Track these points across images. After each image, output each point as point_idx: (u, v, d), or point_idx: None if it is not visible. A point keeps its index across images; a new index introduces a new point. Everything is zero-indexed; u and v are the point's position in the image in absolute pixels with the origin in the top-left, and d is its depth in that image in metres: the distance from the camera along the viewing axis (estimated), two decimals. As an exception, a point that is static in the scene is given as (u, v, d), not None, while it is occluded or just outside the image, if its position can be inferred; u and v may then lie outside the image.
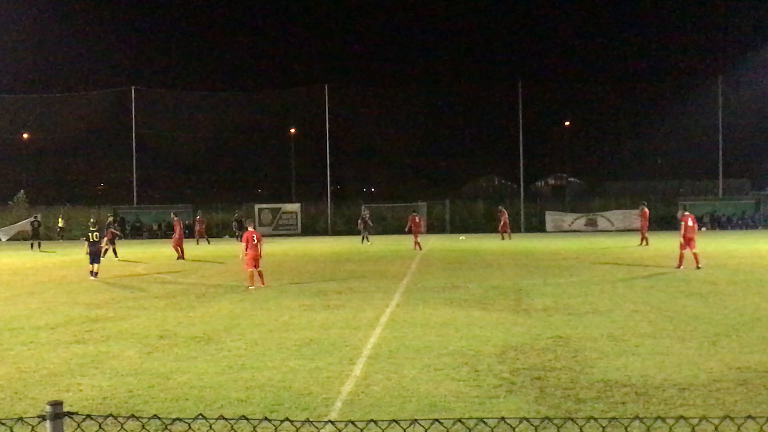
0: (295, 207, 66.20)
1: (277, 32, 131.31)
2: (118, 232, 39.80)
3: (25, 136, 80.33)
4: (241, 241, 24.72)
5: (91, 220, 29.90)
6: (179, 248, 36.02)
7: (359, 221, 49.63)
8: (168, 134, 74.82)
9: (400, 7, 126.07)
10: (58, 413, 3.79)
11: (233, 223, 56.20)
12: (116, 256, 36.21)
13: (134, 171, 70.50)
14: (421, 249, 39.75)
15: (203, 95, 77.51)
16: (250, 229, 23.96)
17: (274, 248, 43.98)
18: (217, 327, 15.54)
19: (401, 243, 44.65)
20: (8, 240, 60.00)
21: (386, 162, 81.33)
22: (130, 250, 42.46)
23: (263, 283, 22.95)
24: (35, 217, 51.24)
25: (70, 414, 3.86)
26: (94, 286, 24.20)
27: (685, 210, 28.01)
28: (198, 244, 49.81)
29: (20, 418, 4.09)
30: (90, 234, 26.96)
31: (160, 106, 72.78)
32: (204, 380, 10.87)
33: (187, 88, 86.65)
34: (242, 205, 65.11)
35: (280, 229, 63.67)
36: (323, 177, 68.51)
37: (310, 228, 64.38)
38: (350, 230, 61.79)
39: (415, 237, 41.00)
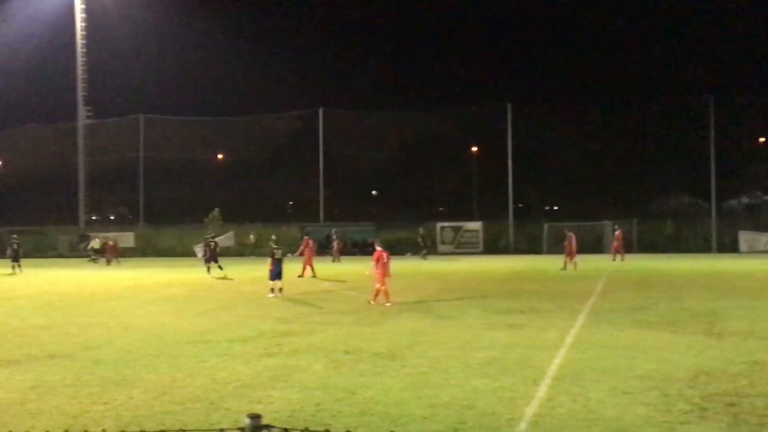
0: (476, 225, 66.12)
1: (460, 49, 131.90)
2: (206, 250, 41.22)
3: (220, 156, 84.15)
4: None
5: (273, 237, 30.83)
6: (309, 266, 36.81)
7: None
8: (353, 153, 76.48)
9: (582, 24, 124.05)
10: (257, 426, 3.94)
11: (419, 240, 57.00)
12: (208, 272, 38.38)
13: (321, 189, 72.42)
14: (575, 269, 38.76)
15: (387, 114, 78.72)
16: (379, 248, 24.42)
17: (455, 266, 44.17)
18: (401, 343, 15.70)
19: (586, 262, 43.88)
20: (203, 256, 62.75)
21: (570, 179, 79.82)
22: (317, 267, 43.59)
23: (389, 301, 23.22)
24: (211, 234, 53.67)
25: (268, 427, 4.00)
26: (283, 302, 24.96)
27: None
28: (335, 262, 51.13)
29: (221, 430, 4.27)
30: (275, 251, 27.75)
31: (345, 125, 74.58)
32: (389, 396, 11.01)
33: (371, 107, 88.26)
34: (424, 223, 65.65)
35: (462, 247, 63.74)
36: (505, 195, 68.12)
37: (492, 246, 64.10)
38: (533, 249, 61.16)
39: (570, 257, 40.01)
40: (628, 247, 58.17)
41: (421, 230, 58.36)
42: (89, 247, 63.50)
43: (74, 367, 13.56)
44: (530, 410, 10.20)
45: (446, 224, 66.63)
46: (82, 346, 15.83)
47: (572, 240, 40.76)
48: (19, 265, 44.89)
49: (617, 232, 50.19)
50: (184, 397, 11.16)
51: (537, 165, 76.82)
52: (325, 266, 41.54)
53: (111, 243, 59.35)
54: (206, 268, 39.23)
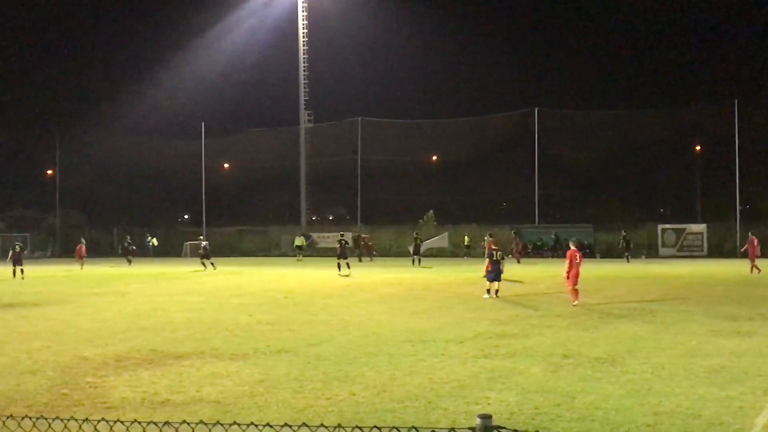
0: (700, 228, 63.70)
1: (682, 48, 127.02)
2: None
3: (434, 158, 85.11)
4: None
5: (489, 237, 30.93)
6: None
7: None
8: (569, 153, 75.45)
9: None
10: (487, 426, 3.93)
11: (622, 243, 56.07)
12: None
13: (536, 190, 71.81)
14: (759, 272, 37.72)
15: (604, 114, 77.10)
16: (573, 247, 24.55)
17: (677, 270, 42.72)
18: (621, 349, 15.27)
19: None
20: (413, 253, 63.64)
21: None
22: (532, 269, 43.30)
23: (577, 299, 23.46)
24: (416, 234, 54.46)
25: (499, 428, 3.98)
26: (498, 303, 24.87)
27: None
28: (519, 263, 50.48)
29: (452, 429, 4.28)
30: (494, 253, 27.66)
31: (561, 125, 73.69)
32: (609, 402, 10.74)
33: (588, 106, 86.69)
34: (644, 224, 63.86)
35: (685, 250, 61.68)
36: (731, 196, 65.18)
37: (717, 249, 61.51)
38: (763, 253, 57.98)
39: (752, 261, 39.14)
40: None
41: (623, 233, 57.34)
42: (295, 245, 66.00)
43: (298, 362, 14.07)
44: (761, 421, 9.72)
45: (668, 226, 64.63)
46: (305, 342, 16.40)
47: (753, 243, 40.03)
48: (211, 263, 47.06)
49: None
50: (403, 395, 11.33)
51: (767, 165, 72.86)
52: (536, 268, 41.11)
53: (366, 238, 61.10)
54: (337, 265, 40.31)
